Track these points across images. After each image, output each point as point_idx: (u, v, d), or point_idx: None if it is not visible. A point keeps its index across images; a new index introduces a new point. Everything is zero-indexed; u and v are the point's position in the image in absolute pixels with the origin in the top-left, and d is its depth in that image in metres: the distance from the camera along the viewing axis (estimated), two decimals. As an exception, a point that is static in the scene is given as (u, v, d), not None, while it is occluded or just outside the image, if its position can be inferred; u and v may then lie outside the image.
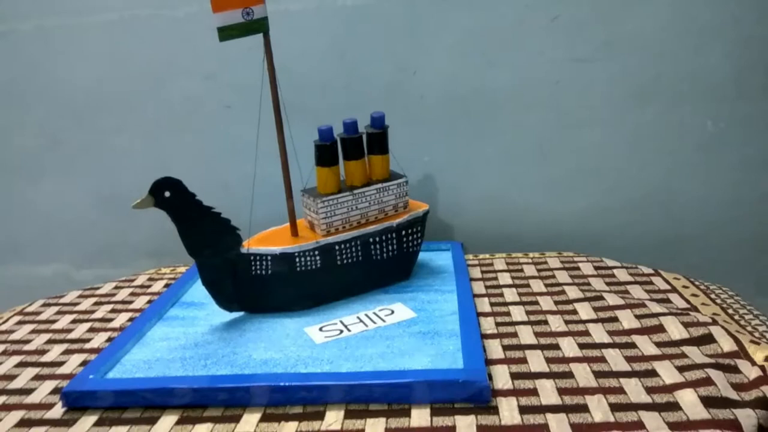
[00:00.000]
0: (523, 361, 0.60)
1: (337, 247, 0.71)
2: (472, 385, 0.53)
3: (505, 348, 0.62)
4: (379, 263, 0.74)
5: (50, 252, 1.02)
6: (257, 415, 0.54)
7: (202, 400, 0.56)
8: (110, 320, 0.75)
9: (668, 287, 0.74)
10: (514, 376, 0.57)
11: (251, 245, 0.69)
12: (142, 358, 0.63)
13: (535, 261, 0.84)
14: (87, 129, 0.95)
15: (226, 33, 0.61)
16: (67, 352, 0.68)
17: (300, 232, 0.73)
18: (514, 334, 0.65)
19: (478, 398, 0.53)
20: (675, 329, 0.63)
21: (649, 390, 0.54)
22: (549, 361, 0.59)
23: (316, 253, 0.70)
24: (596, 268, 0.81)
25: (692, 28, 0.84)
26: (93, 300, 0.82)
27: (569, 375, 0.57)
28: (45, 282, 1.02)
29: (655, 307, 0.68)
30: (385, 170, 0.75)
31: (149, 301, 0.80)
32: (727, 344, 0.60)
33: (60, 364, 0.66)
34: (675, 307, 0.68)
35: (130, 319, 0.75)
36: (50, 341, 0.71)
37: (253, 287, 0.69)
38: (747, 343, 0.59)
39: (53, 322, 0.76)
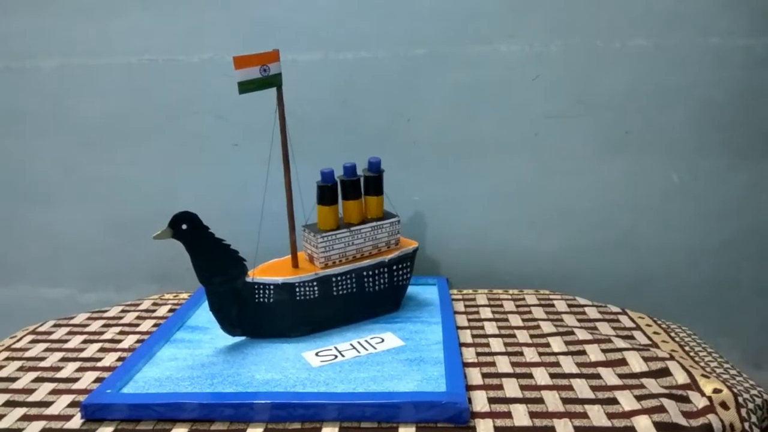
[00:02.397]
0: (500, 387, 0.66)
1: (334, 279, 0.78)
2: (454, 407, 0.59)
3: (484, 375, 0.69)
4: (371, 295, 0.81)
5: (57, 275, 1.08)
6: (260, 430, 0.60)
7: (209, 415, 0.61)
8: (119, 341, 0.81)
9: (633, 325, 0.82)
10: (491, 400, 0.64)
11: (255, 275, 0.75)
12: (153, 376, 0.69)
13: (514, 297, 0.92)
14: (99, 160, 1.01)
15: (245, 87, 0.68)
16: (80, 369, 0.74)
17: (300, 263, 0.80)
18: (493, 363, 0.72)
19: (458, 419, 0.59)
20: (636, 363, 0.70)
21: (610, 415, 0.61)
22: (523, 388, 0.66)
23: (315, 283, 0.77)
24: (569, 305, 0.88)
25: (657, 89, 0.93)
26: (102, 322, 0.87)
27: (540, 401, 0.64)
28: (51, 304, 1.07)
29: (620, 343, 0.75)
30: (379, 210, 0.83)
31: (155, 325, 0.85)
32: (681, 377, 0.67)
33: (75, 380, 0.71)
34: (638, 343, 0.76)
35: (138, 341, 0.80)
36: (64, 359, 0.77)
37: (256, 314, 0.75)
38: (698, 376, 0.66)
39: (65, 341, 0.82)
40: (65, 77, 0.98)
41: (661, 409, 0.61)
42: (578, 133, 0.95)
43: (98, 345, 0.80)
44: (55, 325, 0.87)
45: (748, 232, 0.96)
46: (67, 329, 0.85)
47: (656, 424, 0.58)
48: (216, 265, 0.72)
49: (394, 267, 0.82)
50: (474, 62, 0.93)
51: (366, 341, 0.75)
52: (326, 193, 0.78)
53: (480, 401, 0.63)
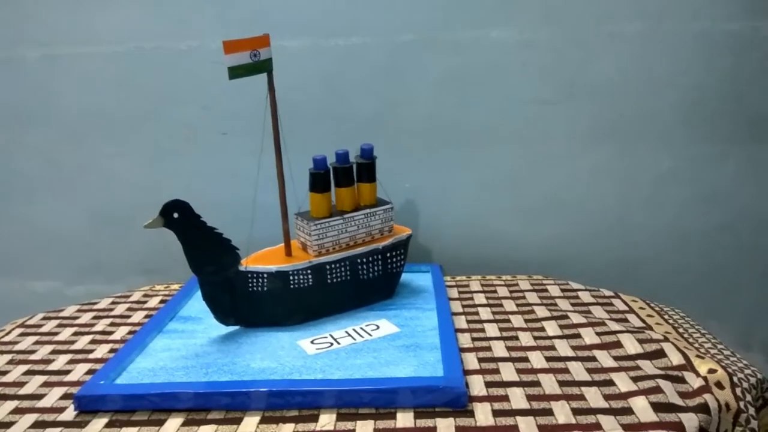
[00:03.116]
0: (496, 371, 0.66)
1: (327, 267, 0.77)
2: (451, 391, 0.59)
3: (480, 360, 0.69)
4: (365, 282, 0.80)
5: (44, 268, 1.06)
6: (257, 418, 0.60)
7: (205, 404, 0.61)
8: (110, 333, 0.80)
9: (626, 308, 0.82)
10: (488, 384, 0.64)
11: (248, 264, 0.75)
12: (147, 366, 0.68)
13: (508, 283, 0.92)
14: (86, 151, 1.00)
15: (235, 72, 0.67)
16: (72, 362, 0.73)
17: (293, 252, 0.79)
18: (488, 348, 0.72)
19: (456, 403, 0.59)
20: (631, 345, 0.70)
21: (607, 397, 0.61)
22: (519, 371, 0.66)
23: (309, 272, 0.76)
24: (563, 290, 0.88)
25: (648, 76, 0.93)
26: (92, 314, 0.86)
27: (537, 384, 0.64)
28: (39, 297, 1.05)
29: (614, 326, 0.75)
30: (372, 197, 0.82)
31: (146, 316, 0.84)
32: (676, 358, 0.67)
33: (66, 372, 0.70)
34: (632, 325, 0.76)
35: (130, 332, 0.79)
36: (54, 352, 0.75)
37: (250, 303, 0.75)
38: (693, 357, 0.67)
39: (55, 334, 0.80)
40: (49, 67, 0.96)
41: (657, 390, 0.61)
42: (568, 120, 0.95)
43: (89, 337, 0.79)
44: (44, 318, 0.85)
45: (737, 217, 0.97)
46: (57, 322, 0.84)
47: (653, 405, 0.59)
48: (208, 255, 0.71)
49: (388, 254, 0.82)
50: (464, 48, 0.93)
51: (361, 328, 0.75)
52: (319, 181, 0.77)
53: (477, 385, 0.63)
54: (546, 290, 0.89)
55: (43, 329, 0.82)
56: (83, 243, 1.04)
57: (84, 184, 1.01)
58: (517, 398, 0.61)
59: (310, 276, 0.76)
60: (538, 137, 0.96)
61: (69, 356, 0.74)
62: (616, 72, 0.93)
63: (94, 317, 0.85)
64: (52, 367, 0.72)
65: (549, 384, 0.64)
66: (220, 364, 0.68)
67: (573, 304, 0.83)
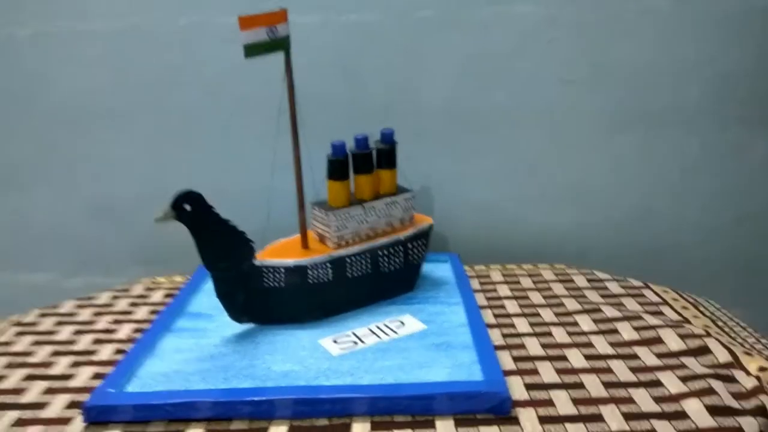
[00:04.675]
0: (535, 372, 0.62)
1: (348, 260, 0.72)
2: (494, 397, 0.55)
3: (516, 359, 0.65)
4: (386, 275, 0.76)
5: (39, 260, 1.00)
6: (284, 428, 0.55)
7: (226, 413, 0.56)
8: (114, 331, 0.75)
9: (659, 300, 0.78)
10: (529, 387, 0.60)
11: (263, 257, 0.70)
12: (159, 371, 0.63)
13: (530, 273, 0.88)
14: (82, 137, 0.94)
15: (252, 50, 0.62)
16: (75, 364, 0.67)
17: (310, 244, 0.74)
18: (522, 346, 0.68)
19: (499, 410, 0.55)
20: (673, 341, 0.67)
21: (657, 399, 0.57)
22: (559, 372, 0.62)
23: (329, 265, 0.71)
24: (589, 280, 0.84)
25: (673, 60, 0.88)
26: (92, 310, 0.81)
27: (580, 386, 0.60)
28: (34, 290, 0.99)
29: (651, 320, 0.71)
30: (393, 184, 0.77)
31: (152, 312, 0.79)
32: (722, 355, 0.64)
33: (69, 377, 0.65)
34: (669, 319, 0.72)
35: (135, 330, 0.74)
36: (55, 353, 0.70)
37: (266, 299, 0.70)
38: (741, 354, 0.63)
39: (54, 333, 0.75)
40: (41, 46, 0.89)
41: (710, 391, 0.57)
42: (593, 102, 0.90)
43: (91, 336, 0.74)
44: (41, 315, 0.80)
45: (764, 206, 0.93)
46: (55, 319, 0.78)
47: (708, 408, 0.55)
48: (222, 249, 0.66)
49: (410, 245, 0.77)
50: (485, 25, 0.87)
51: (385, 325, 0.70)
52: (338, 168, 0.72)
53: (517, 389, 0.59)
54: (571, 280, 0.85)
55: (41, 328, 0.76)
56: (80, 233, 0.98)
57: (79, 172, 0.95)
58: (563, 402, 0.57)
59: (329, 270, 0.71)
60: (562, 120, 0.91)
61: (71, 358, 0.69)
62: (644, 52, 0.88)
63: (95, 314, 0.80)
64: (53, 371, 0.66)
65: (593, 386, 0.60)
66: (239, 368, 0.63)
67: (603, 296, 0.80)
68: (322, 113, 0.88)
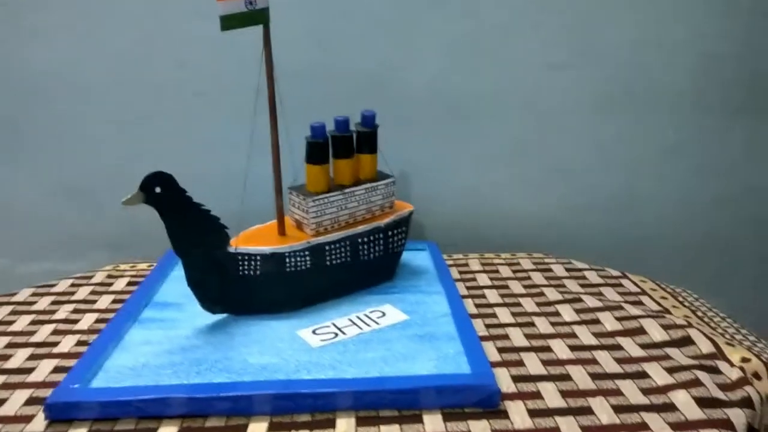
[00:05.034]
0: (521, 363, 0.61)
1: (327, 248, 0.69)
2: (483, 390, 0.54)
3: (500, 350, 0.63)
4: (366, 264, 0.73)
5: (-9, 244, 0.94)
6: (264, 424, 0.52)
7: (202, 410, 0.53)
8: (75, 321, 0.70)
9: (638, 290, 0.78)
10: (516, 379, 0.58)
11: (238, 244, 0.66)
12: (126, 364, 0.59)
13: (508, 262, 0.86)
14: (41, 113, 0.87)
15: (228, 22, 0.58)
16: (33, 357, 0.63)
17: (287, 230, 0.71)
18: (506, 336, 0.66)
19: (488, 403, 0.54)
20: (656, 331, 0.66)
21: (645, 391, 0.56)
22: (545, 363, 0.61)
23: (307, 253, 0.68)
24: (567, 270, 0.84)
25: (658, 44, 0.88)
26: (50, 299, 0.76)
27: (567, 377, 0.59)
28: (-19, 276, 0.93)
29: (632, 310, 0.71)
30: (373, 170, 0.75)
31: (115, 301, 0.75)
32: (705, 346, 0.63)
33: (29, 370, 0.60)
34: (650, 309, 0.72)
35: (98, 320, 0.70)
36: (11, 345, 0.65)
37: (241, 288, 0.66)
38: (723, 345, 0.63)
39: (10, 323, 0.70)
40: (2, 18, 0.82)
41: (696, 382, 0.57)
42: (578, 86, 0.89)
43: (50, 326, 0.69)
44: (-7, 304, 0.74)
45: (744, 190, 0.94)
46: (10, 308, 0.73)
47: (696, 400, 0.55)
48: (194, 234, 0.62)
49: (390, 233, 0.74)
50: (471, 7, 0.85)
51: (366, 315, 0.68)
52: (317, 151, 0.69)
53: (504, 381, 0.58)
54: (550, 269, 0.84)
55: (-6, 318, 0.71)
56: (37, 215, 0.92)
57: (39, 149, 0.89)
58: (551, 395, 0.56)
59: (308, 258, 0.68)
60: (546, 105, 0.90)
61: (30, 350, 0.64)
62: (629, 36, 0.88)
63: (54, 302, 0.75)
64: (10, 364, 0.62)
65: (580, 377, 0.59)
66: (213, 360, 0.59)
67: (582, 285, 0.79)
68: (299, 91, 0.84)
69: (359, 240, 0.72)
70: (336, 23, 0.85)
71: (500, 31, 0.86)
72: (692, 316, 0.72)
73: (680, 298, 0.77)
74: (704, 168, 0.94)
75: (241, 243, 0.67)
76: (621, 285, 0.79)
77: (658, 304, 0.74)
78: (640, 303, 0.74)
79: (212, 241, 0.64)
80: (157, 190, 0.59)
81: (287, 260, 0.67)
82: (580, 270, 0.84)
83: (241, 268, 0.66)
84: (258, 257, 0.66)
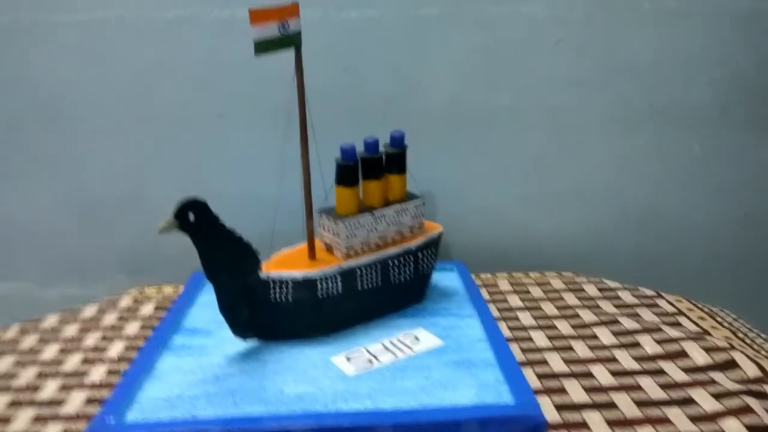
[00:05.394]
0: (563, 391, 0.59)
1: (358, 271, 0.68)
2: (529, 420, 0.52)
3: (540, 377, 0.62)
4: (396, 287, 0.72)
5: (10, 267, 0.93)
6: (304, 458, 0.51)
7: (240, 443, 0.52)
8: (104, 349, 0.69)
9: (674, 310, 0.76)
10: (559, 407, 0.57)
11: (268, 269, 0.65)
12: (160, 395, 0.58)
13: (539, 281, 0.85)
14: (59, 134, 0.87)
15: (263, 47, 0.57)
16: (64, 388, 0.62)
17: (316, 254, 0.70)
18: (544, 362, 0.65)
19: (533, 434, 0.52)
20: (698, 354, 0.64)
21: (693, 419, 0.55)
22: (588, 390, 0.59)
23: (338, 277, 0.67)
24: (600, 289, 0.82)
25: (681, 59, 0.87)
26: (77, 326, 0.75)
27: (612, 405, 0.57)
28: (4, 301, 0.92)
29: (671, 332, 0.69)
30: (402, 190, 0.73)
31: (143, 327, 0.74)
32: (750, 370, 0.62)
33: (60, 402, 0.60)
34: (689, 331, 0.70)
35: (127, 348, 0.69)
36: (42, 375, 0.64)
37: (272, 313, 0.65)
38: (769, 368, 0.61)
39: (38, 351, 0.69)
40: (17, 35, 0.82)
41: (746, 409, 0.55)
42: (601, 103, 0.88)
43: (79, 355, 0.68)
44: (21, 332, 0.73)
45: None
46: (37, 336, 0.72)
47: (748, 428, 0.53)
48: (227, 260, 0.61)
49: (420, 254, 0.73)
50: (491, 24, 0.84)
51: (399, 341, 0.66)
52: (348, 173, 0.68)
53: (547, 410, 0.56)
54: (582, 290, 0.82)
55: (23, 346, 0.70)
56: (57, 238, 0.91)
57: (56, 171, 0.88)
58: (597, 425, 0.54)
59: (339, 282, 0.67)
60: (568, 121, 0.89)
61: (60, 381, 0.63)
62: (652, 52, 0.86)
63: (81, 329, 0.74)
64: (41, 396, 0.61)
65: (625, 405, 0.57)
66: (248, 390, 0.58)
67: (617, 306, 0.77)
68: (318, 112, 0.84)
69: (390, 263, 0.70)
70: (353, 45, 0.84)
71: (519, 48, 0.85)
72: (733, 337, 0.70)
73: (718, 318, 0.75)
74: (731, 184, 0.92)
75: (271, 267, 0.66)
76: (657, 305, 0.78)
77: (697, 325, 0.72)
78: (678, 324, 0.72)
79: (244, 266, 0.63)
80: (191, 217, 0.58)
81: (319, 285, 0.66)
82: (612, 290, 0.82)
83: (272, 293, 0.65)
84: (290, 283, 0.65)
